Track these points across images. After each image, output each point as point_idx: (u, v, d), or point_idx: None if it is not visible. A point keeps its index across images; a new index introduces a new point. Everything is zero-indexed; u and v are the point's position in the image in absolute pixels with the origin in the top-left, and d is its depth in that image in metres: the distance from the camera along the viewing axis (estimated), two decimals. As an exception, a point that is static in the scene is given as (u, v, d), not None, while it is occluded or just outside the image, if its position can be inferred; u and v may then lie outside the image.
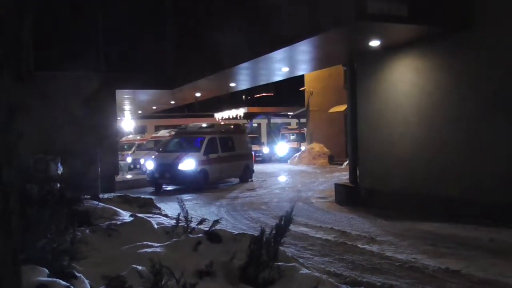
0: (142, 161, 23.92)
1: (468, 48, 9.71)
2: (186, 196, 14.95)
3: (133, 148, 28.17)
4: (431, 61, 10.64)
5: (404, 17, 8.73)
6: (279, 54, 12.23)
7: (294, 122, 38.70)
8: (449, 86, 10.25)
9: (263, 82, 19.81)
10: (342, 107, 23.75)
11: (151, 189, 17.88)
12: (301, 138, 33.49)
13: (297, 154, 29.71)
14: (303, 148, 30.79)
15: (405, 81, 11.33)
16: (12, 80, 1.25)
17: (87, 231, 6.02)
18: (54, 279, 3.45)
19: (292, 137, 34.81)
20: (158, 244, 5.45)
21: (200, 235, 5.61)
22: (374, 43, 10.79)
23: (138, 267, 4.11)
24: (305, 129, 33.89)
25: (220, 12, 14.50)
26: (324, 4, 9.29)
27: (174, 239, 5.64)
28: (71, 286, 3.50)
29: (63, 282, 3.46)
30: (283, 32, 10.89)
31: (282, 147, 32.63)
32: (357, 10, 8.47)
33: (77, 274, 3.98)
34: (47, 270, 3.62)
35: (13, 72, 1.24)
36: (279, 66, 14.35)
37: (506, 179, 9.05)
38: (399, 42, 10.81)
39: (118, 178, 18.71)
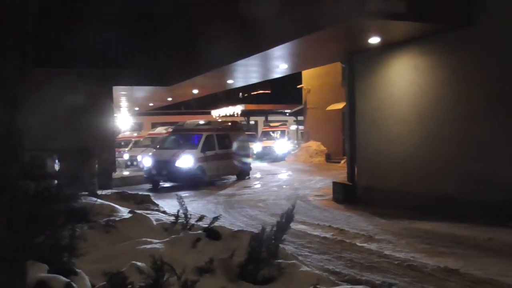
0: (139, 158, 23.90)
1: (468, 46, 9.68)
2: (183, 193, 14.90)
3: (130, 145, 28.14)
4: (430, 59, 10.63)
5: (404, 14, 8.70)
6: (277, 51, 12.21)
7: (291, 119, 38.59)
8: (448, 84, 10.24)
9: (261, 79, 19.79)
10: (339, 105, 23.74)
11: (148, 186, 17.85)
12: (282, 136, 32.78)
13: (293, 152, 29.86)
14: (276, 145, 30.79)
15: (404, 79, 11.32)
16: (17, 73, 1.22)
17: (85, 227, 6.00)
18: (55, 275, 3.44)
19: (274, 135, 33.44)
20: (157, 241, 5.44)
21: (199, 232, 5.59)
22: (373, 40, 10.78)
23: (138, 263, 4.09)
24: (287, 126, 34.11)
25: (216, 8, 14.44)
26: (323, 1, 9.26)
27: (173, 236, 5.63)
28: (71, 282, 3.48)
29: (64, 278, 3.44)
30: (282, 29, 10.86)
31: (281, 145, 31.60)
32: (357, 7, 8.44)
33: (77, 270, 3.97)
34: (47, 266, 3.60)
35: (17, 65, 1.22)
36: (277, 63, 14.33)
37: (504, 178, 9.05)
38: (398, 39, 10.79)
39: (116, 175, 18.68)
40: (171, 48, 17.86)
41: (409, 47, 11.03)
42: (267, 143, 31.30)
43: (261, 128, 41.12)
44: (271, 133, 33.52)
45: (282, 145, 31.48)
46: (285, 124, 34.75)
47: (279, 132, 33.38)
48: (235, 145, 19.60)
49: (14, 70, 1.20)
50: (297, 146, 32.39)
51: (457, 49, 10.00)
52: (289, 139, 32.70)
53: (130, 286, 2.98)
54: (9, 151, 1.18)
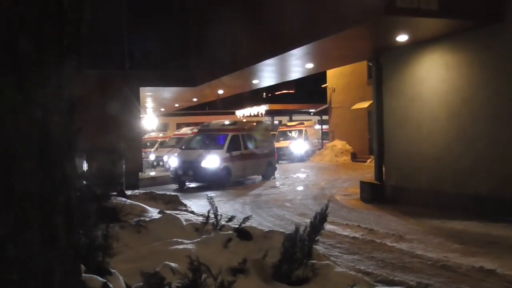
0: (165, 158, 24.10)
1: (500, 42, 9.48)
2: (209, 193, 14.86)
3: (156, 146, 28.40)
4: (461, 56, 10.44)
5: (434, 10, 8.56)
6: (303, 51, 12.15)
7: (315, 118, 38.33)
8: (480, 82, 10.04)
9: (287, 78, 19.74)
10: (365, 104, 23.52)
11: (174, 186, 17.97)
12: (300, 135, 31.25)
13: (318, 152, 29.67)
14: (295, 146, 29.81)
15: (434, 77, 11.14)
16: (73, 73, 1.23)
17: (117, 227, 6.04)
18: (91, 275, 3.46)
19: (291, 135, 31.76)
20: (189, 241, 5.45)
21: (230, 232, 5.58)
22: (402, 37, 10.63)
23: (171, 263, 4.10)
24: (304, 125, 32.63)
25: (242, 9, 14.45)
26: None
27: (204, 236, 5.63)
28: (107, 282, 3.50)
29: (100, 278, 3.46)
30: (309, 27, 10.80)
31: (299, 145, 30.46)
32: (386, 4, 8.33)
33: (111, 270, 3.99)
34: (83, 266, 3.63)
35: (74, 65, 1.23)
36: (302, 62, 14.25)
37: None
38: (427, 36, 10.63)
39: (142, 175, 18.87)
40: (198, 48, 17.95)
41: (438, 44, 10.85)
42: (283, 143, 29.96)
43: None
44: (288, 133, 32.12)
45: (299, 145, 30.30)
46: (303, 124, 33.19)
47: (296, 131, 31.89)
48: (260, 145, 19.60)
49: (71, 70, 1.20)
50: (319, 146, 32.08)
51: (487, 45, 9.80)
52: (306, 139, 31.24)
53: (167, 286, 2.98)
54: (66, 151, 1.18)
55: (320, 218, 4.34)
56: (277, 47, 12.45)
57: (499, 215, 9.16)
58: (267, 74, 17.17)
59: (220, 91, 21.96)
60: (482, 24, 9.56)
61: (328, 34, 10.33)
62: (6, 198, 1.09)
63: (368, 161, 23.21)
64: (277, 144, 27.75)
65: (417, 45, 11.22)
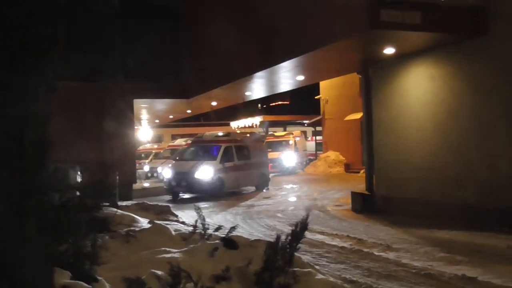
0: (159, 169, 24.18)
1: (484, 55, 9.68)
2: (202, 204, 15.05)
3: (150, 157, 28.49)
4: (446, 68, 10.63)
5: (418, 24, 8.76)
6: (293, 63, 12.33)
7: (309, 130, 38.46)
8: (464, 93, 10.23)
9: (278, 90, 19.90)
10: (357, 115, 23.71)
11: (168, 197, 18.04)
12: (289, 146, 29.82)
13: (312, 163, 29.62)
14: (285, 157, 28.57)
15: (420, 88, 11.33)
16: (44, 88, 1.37)
17: (106, 237, 6.14)
18: (77, 281, 3.57)
19: (279, 146, 29.85)
20: (176, 250, 5.55)
21: (217, 241, 5.69)
22: (388, 50, 10.83)
23: (157, 271, 4.21)
24: (293, 135, 31.34)
25: (234, 22, 14.65)
26: (338, 12, 9.37)
27: (191, 245, 5.74)
28: (92, 289, 3.62)
29: (86, 285, 3.58)
30: (297, 41, 10.99)
31: (290, 156, 29.13)
32: (371, 18, 8.53)
33: (98, 277, 4.11)
34: (69, 273, 3.74)
35: (44, 81, 1.34)
36: (293, 74, 14.44)
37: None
38: (413, 49, 10.82)
39: (136, 186, 18.94)
40: (191, 61, 18.13)
41: (424, 57, 11.05)
42: (273, 154, 27.78)
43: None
44: (275, 143, 30.13)
45: (289, 156, 29.06)
46: (292, 134, 31.59)
47: (285, 142, 30.23)
48: (254, 156, 19.74)
49: (42, 88, 1.34)
50: (305, 157, 31.86)
51: (471, 58, 10.00)
52: (296, 150, 29.98)
53: (148, 291, 3.10)
54: (38, 159, 1.32)
55: (301, 227, 4.47)
56: (268, 59, 12.63)
57: (485, 224, 9.30)
58: (258, 86, 17.34)
59: (214, 103, 22.12)
60: (466, 38, 9.75)
61: (317, 47, 10.49)
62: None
63: (361, 171, 23.29)
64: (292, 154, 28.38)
65: (404, 58, 11.42)
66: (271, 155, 26.95)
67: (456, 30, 9.49)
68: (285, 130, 38.70)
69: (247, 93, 19.17)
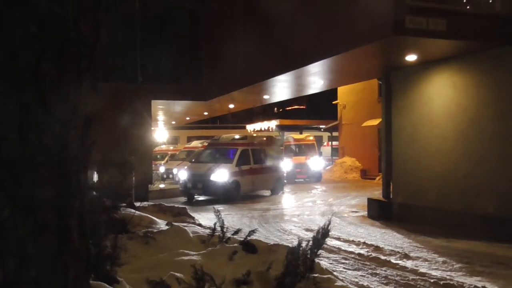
0: (175, 171, 24.26)
1: (507, 64, 9.57)
2: (218, 207, 14.93)
3: (166, 158, 28.60)
4: (469, 76, 10.53)
5: (443, 32, 8.68)
6: (314, 68, 12.31)
7: (325, 135, 38.24)
8: (486, 102, 10.12)
9: (297, 95, 19.89)
10: (375, 121, 23.58)
11: (183, 199, 18.09)
12: (310, 150, 26.79)
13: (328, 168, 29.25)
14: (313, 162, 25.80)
15: (442, 96, 11.23)
16: (90, 93, 1.38)
17: (125, 238, 6.17)
18: (99, 282, 3.59)
19: (298, 150, 27.23)
20: (195, 253, 5.56)
21: (236, 245, 5.69)
22: (411, 57, 10.76)
23: (176, 274, 4.22)
24: (313, 138, 28.43)
25: (255, 25, 14.69)
26: (362, 18, 9.33)
27: (210, 248, 5.73)
28: (114, 290, 3.63)
29: (108, 286, 3.59)
30: (320, 45, 10.96)
31: (317, 161, 26.22)
32: (395, 25, 8.47)
33: (119, 278, 4.12)
34: (92, 274, 3.76)
35: (91, 85, 1.35)
36: (313, 79, 14.42)
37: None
38: (436, 57, 10.74)
39: (152, 187, 19.04)
40: (210, 63, 18.19)
41: (447, 65, 10.96)
42: (299, 159, 25.79)
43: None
44: (295, 147, 27.45)
45: (317, 161, 26.25)
46: (312, 137, 28.72)
47: (302, 146, 27.38)
48: (270, 160, 19.72)
49: (88, 89, 1.34)
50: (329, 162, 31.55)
51: (495, 67, 9.90)
52: (320, 154, 27.46)
53: (172, 294, 3.10)
54: (81, 162, 1.32)
55: (323, 233, 4.45)
56: (290, 63, 12.61)
57: (505, 235, 9.16)
58: (277, 90, 17.34)
59: (231, 106, 22.17)
60: (490, 46, 9.65)
61: (340, 51, 10.46)
62: (26, 203, 1.23)
63: (377, 178, 23.20)
64: (292, 160, 25.23)
65: (426, 65, 11.34)
66: (297, 159, 25.58)
67: (482, 38, 9.38)
68: (301, 134, 38.46)
69: (265, 97, 19.18)
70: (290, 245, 6.03)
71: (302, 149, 27.01)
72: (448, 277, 6.95)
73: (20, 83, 1.23)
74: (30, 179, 1.21)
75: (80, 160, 1.31)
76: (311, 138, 28.31)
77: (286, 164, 22.96)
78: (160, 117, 28.31)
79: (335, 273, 6.07)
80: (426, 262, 7.91)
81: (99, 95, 1.42)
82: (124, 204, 8.92)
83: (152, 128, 24.06)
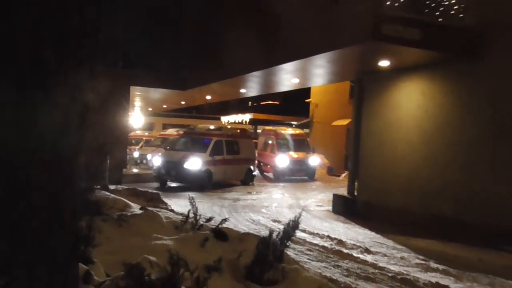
0: (149, 156, 24.01)
1: (475, 76, 9.80)
2: (190, 194, 14.97)
3: (141, 144, 28.26)
4: (438, 85, 10.74)
5: (417, 41, 8.83)
6: (292, 66, 12.33)
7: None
8: (452, 110, 10.35)
9: (272, 91, 19.88)
10: (345, 121, 23.79)
11: (156, 184, 17.94)
12: (307, 147, 24.00)
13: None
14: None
15: (411, 102, 11.43)
16: (89, 79, 1.36)
17: (99, 220, 6.08)
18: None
19: (298, 146, 23.48)
20: (167, 238, 5.54)
21: (208, 232, 5.69)
22: (384, 63, 10.90)
23: (149, 257, 4.20)
24: (301, 133, 25.33)
25: (236, 19, 14.59)
26: (340, 22, 9.39)
27: (183, 234, 5.73)
28: (90, 270, 3.59)
29: (84, 266, 3.55)
30: (299, 44, 10.98)
31: (315, 158, 23.57)
32: (373, 30, 8.56)
33: (94, 259, 4.08)
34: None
35: (89, 70, 1.33)
36: (290, 77, 14.44)
37: (498, 203, 9.15)
38: (408, 64, 10.91)
39: (125, 171, 18.81)
40: (191, 53, 18.01)
41: (417, 72, 11.14)
42: (299, 155, 22.75)
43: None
44: (283, 142, 23.59)
45: (315, 158, 23.71)
46: (301, 132, 25.82)
47: (304, 141, 24.32)
48: (242, 152, 19.74)
49: (87, 77, 1.33)
50: None
51: (462, 78, 10.12)
52: (313, 150, 24.38)
53: (147, 277, 3.09)
54: (76, 149, 1.31)
55: (293, 225, 4.49)
56: (269, 60, 12.59)
57: (461, 236, 9.42)
58: (254, 85, 17.32)
59: (208, 97, 22.04)
60: (459, 57, 9.85)
61: (320, 52, 10.45)
62: (20, 185, 1.21)
63: (342, 175, 23.41)
64: (290, 157, 22.39)
65: (398, 72, 11.50)
66: (293, 156, 22.62)
67: (451, 49, 9.59)
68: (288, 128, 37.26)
69: (242, 90, 19.14)
70: (259, 235, 6.08)
71: (296, 144, 23.62)
72: (405, 272, 7.11)
73: (21, 69, 1.20)
74: (25, 162, 1.19)
75: (76, 146, 1.29)
76: (303, 133, 25.97)
77: (281, 160, 22.04)
78: (137, 103, 27.93)
79: (300, 263, 6.15)
80: (385, 257, 8.06)
81: (98, 83, 1.40)
82: (98, 187, 8.80)
83: (129, 114, 23.73)
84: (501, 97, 9.35)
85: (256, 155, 23.32)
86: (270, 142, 23.55)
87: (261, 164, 24.10)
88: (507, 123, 9.21)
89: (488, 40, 9.43)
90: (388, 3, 8.54)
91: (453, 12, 9.30)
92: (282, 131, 24.51)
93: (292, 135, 24.18)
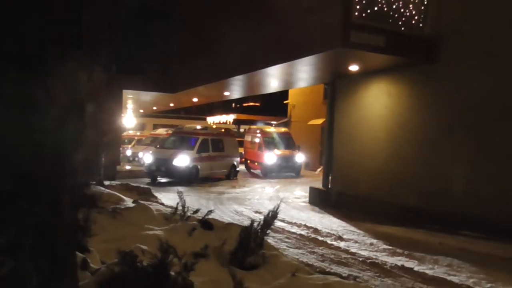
0: (140, 154, 23.87)
1: (433, 80, 9.99)
2: (179, 188, 14.95)
3: (133, 143, 28.06)
4: (401, 87, 10.90)
5: (381, 47, 8.95)
6: (271, 71, 12.36)
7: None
8: (414, 110, 10.53)
9: (254, 93, 19.86)
10: (319, 121, 23.91)
11: (147, 180, 17.85)
12: (292, 144, 23.10)
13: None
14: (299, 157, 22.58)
15: (378, 103, 11.58)
16: (88, 76, 1.38)
17: (95, 212, 6.05)
18: (73, 250, 3.54)
19: (284, 143, 22.86)
20: (158, 228, 5.55)
21: (195, 222, 5.73)
22: (354, 67, 11.01)
23: (142, 246, 4.21)
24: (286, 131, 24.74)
25: (221, 25, 14.52)
26: (315, 29, 9.45)
27: (172, 224, 5.74)
28: (86, 258, 3.60)
29: (80, 254, 3.56)
30: (280, 50, 10.99)
31: (300, 155, 22.83)
32: (343, 38, 8.66)
33: (90, 248, 4.08)
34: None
35: (89, 69, 1.33)
36: (271, 80, 14.47)
37: (453, 193, 9.37)
38: (375, 68, 11.04)
39: (119, 168, 18.68)
40: (180, 58, 17.87)
41: (384, 76, 11.28)
42: (286, 152, 22.05)
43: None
44: (280, 139, 22.94)
45: (301, 155, 22.84)
46: (285, 129, 25.15)
47: (289, 139, 23.50)
48: (226, 149, 19.78)
49: (86, 75, 1.35)
50: None
51: (422, 81, 10.31)
52: (298, 148, 23.20)
53: (139, 264, 3.11)
54: (76, 142, 1.33)
55: (272, 215, 4.55)
56: (250, 65, 12.56)
57: (422, 223, 9.61)
58: (237, 88, 17.30)
59: (195, 99, 21.95)
60: (419, 63, 10.02)
61: (296, 57, 10.50)
62: (26, 177, 1.23)
63: (318, 170, 23.55)
64: (276, 154, 21.58)
65: (366, 75, 11.64)
66: (279, 153, 21.82)
67: (412, 55, 9.75)
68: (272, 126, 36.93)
69: (226, 93, 19.11)
70: (242, 224, 6.13)
71: (282, 142, 22.85)
72: (374, 256, 7.24)
73: (25, 67, 1.21)
74: (29, 158, 1.22)
75: (75, 140, 1.32)
76: (288, 131, 25.15)
77: (268, 157, 21.40)
78: (130, 105, 27.69)
79: (279, 250, 6.21)
80: (357, 244, 8.18)
81: (97, 81, 1.42)
82: (94, 182, 8.76)
83: (122, 115, 23.51)
84: (454, 100, 9.57)
85: (243, 153, 23.39)
86: (257, 140, 22.87)
87: (248, 161, 23.81)
88: (458, 122, 9.45)
89: (443, 48, 9.63)
90: (356, 13, 8.64)
91: (414, 22, 9.46)
92: (268, 130, 23.99)
93: (278, 133, 23.58)
